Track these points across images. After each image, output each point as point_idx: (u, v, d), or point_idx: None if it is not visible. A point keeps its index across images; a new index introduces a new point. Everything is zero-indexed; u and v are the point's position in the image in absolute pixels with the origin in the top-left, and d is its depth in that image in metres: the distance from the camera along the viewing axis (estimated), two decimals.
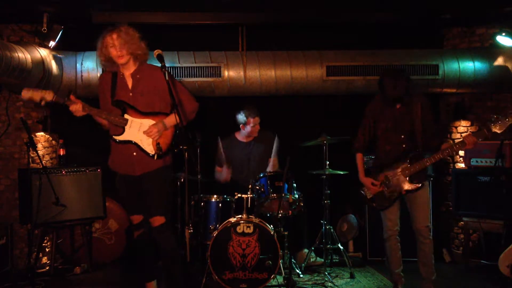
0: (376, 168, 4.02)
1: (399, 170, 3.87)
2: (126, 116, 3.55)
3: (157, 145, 3.54)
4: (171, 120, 3.60)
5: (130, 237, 5.11)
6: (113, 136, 3.57)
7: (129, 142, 3.56)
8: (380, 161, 4.02)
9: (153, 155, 3.57)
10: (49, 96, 3.44)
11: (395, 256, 4.02)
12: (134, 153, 3.57)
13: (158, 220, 3.59)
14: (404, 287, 4.06)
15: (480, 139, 3.69)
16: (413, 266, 4.08)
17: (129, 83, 3.60)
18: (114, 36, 3.47)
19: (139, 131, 3.56)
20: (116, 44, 3.47)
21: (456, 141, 5.46)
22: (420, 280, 3.99)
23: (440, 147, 3.81)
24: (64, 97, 3.48)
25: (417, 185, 3.84)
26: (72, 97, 3.49)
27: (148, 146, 3.57)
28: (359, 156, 4.10)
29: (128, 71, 3.61)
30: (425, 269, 3.94)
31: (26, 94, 3.40)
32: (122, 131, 3.56)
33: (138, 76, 3.60)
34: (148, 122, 3.56)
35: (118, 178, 3.70)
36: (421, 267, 3.96)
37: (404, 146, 3.89)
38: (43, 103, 3.44)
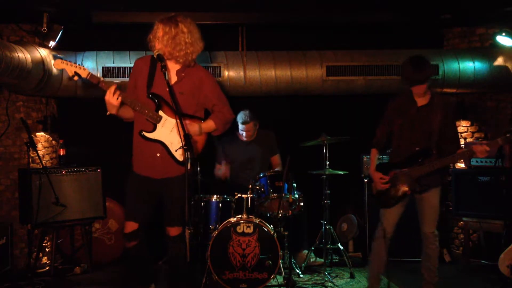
0: (388, 165, 3.93)
1: (409, 170, 3.77)
2: (160, 112, 3.30)
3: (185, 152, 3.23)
4: (208, 126, 3.43)
5: None
6: (143, 132, 3.29)
7: (158, 141, 3.31)
8: (393, 158, 3.94)
9: (181, 162, 3.32)
10: (83, 73, 3.14)
11: (379, 258, 3.90)
12: (158, 154, 3.32)
13: (176, 231, 3.42)
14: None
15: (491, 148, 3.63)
16: (411, 266, 4.08)
17: (171, 77, 3.33)
18: (160, 32, 3.26)
19: (171, 132, 3.31)
20: (160, 40, 3.26)
21: None
22: (422, 281, 3.95)
23: (456, 152, 3.70)
24: (98, 78, 3.20)
25: (424, 187, 3.75)
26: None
27: (177, 151, 3.33)
28: (372, 151, 3.99)
29: (171, 65, 3.36)
30: (428, 273, 3.88)
31: (59, 65, 3.14)
32: (153, 128, 3.29)
33: (183, 74, 3.38)
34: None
35: (133, 174, 3.42)
36: (424, 270, 3.90)
37: (418, 146, 3.77)
38: (76, 78, 3.14)
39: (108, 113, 3.26)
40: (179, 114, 3.07)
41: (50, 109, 5.28)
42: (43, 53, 4.48)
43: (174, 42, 3.26)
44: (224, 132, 3.58)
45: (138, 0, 4.48)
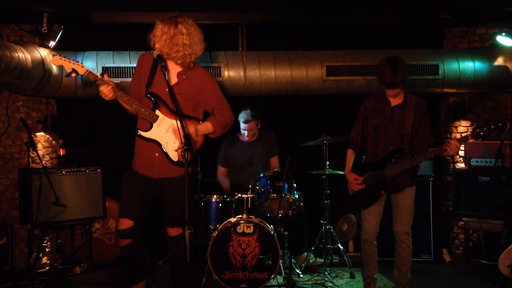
0: (363, 166, 3.95)
1: (383, 170, 3.78)
2: (157, 112, 3.30)
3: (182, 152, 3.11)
4: (205, 127, 3.40)
5: None
6: (139, 131, 3.32)
7: (153, 141, 3.31)
8: (368, 158, 3.96)
9: (176, 162, 3.31)
10: (81, 70, 3.13)
11: (370, 260, 3.93)
12: (156, 154, 3.32)
13: (175, 231, 3.41)
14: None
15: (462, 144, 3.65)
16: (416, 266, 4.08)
17: (171, 77, 3.31)
18: (159, 32, 3.24)
19: (167, 132, 3.31)
20: (158, 39, 3.24)
21: None
22: (394, 282, 4.00)
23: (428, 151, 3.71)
24: (96, 75, 3.17)
25: (397, 187, 3.77)
26: (106, 76, 3.18)
27: (172, 151, 3.31)
28: (348, 152, 4.03)
29: (172, 66, 3.34)
30: (398, 273, 3.89)
31: (57, 61, 3.13)
32: (149, 127, 3.30)
33: (184, 76, 3.36)
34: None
35: (131, 171, 3.42)
36: (395, 269, 3.91)
37: (392, 146, 3.79)
38: (73, 75, 3.14)
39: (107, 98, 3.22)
40: (179, 115, 3.06)
41: (50, 109, 5.28)
42: (43, 53, 4.48)
43: (171, 42, 3.23)
44: (223, 134, 3.55)
45: (138, 0, 4.48)
